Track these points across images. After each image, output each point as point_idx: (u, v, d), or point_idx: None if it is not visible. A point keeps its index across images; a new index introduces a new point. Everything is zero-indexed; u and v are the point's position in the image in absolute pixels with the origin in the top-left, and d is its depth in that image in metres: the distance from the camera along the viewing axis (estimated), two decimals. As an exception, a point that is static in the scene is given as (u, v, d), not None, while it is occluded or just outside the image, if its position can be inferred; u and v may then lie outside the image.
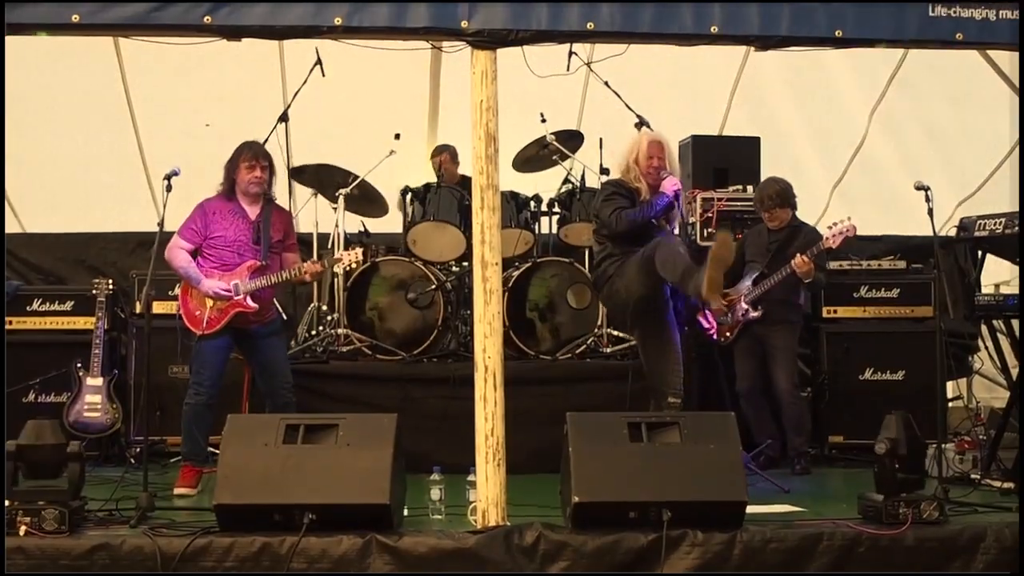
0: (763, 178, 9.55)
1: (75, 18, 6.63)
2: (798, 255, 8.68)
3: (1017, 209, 8.53)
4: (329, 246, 9.89)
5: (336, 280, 9.76)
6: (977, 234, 8.82)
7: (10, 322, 9.48)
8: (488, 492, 6.56)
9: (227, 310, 7.92)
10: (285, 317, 9.04)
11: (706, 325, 8.44)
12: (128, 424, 9.22)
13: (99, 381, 9.04)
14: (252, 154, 8.07)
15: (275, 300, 8.41)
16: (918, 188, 7.66)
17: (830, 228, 8.63)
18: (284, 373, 8.23)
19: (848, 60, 10.53)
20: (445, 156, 10.91)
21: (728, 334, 9.16)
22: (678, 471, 6.44)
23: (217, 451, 6.78)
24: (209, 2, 6.65)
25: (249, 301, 7.93)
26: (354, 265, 8.55)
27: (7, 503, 6.31)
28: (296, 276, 8.09)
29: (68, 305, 9.60)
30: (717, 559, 6.24)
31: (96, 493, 7.06)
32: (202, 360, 7.98)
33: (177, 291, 9.18)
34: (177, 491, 7.80)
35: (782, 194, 9.08)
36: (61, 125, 11.57)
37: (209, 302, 7.95)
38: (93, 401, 9.02)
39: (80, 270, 11.24)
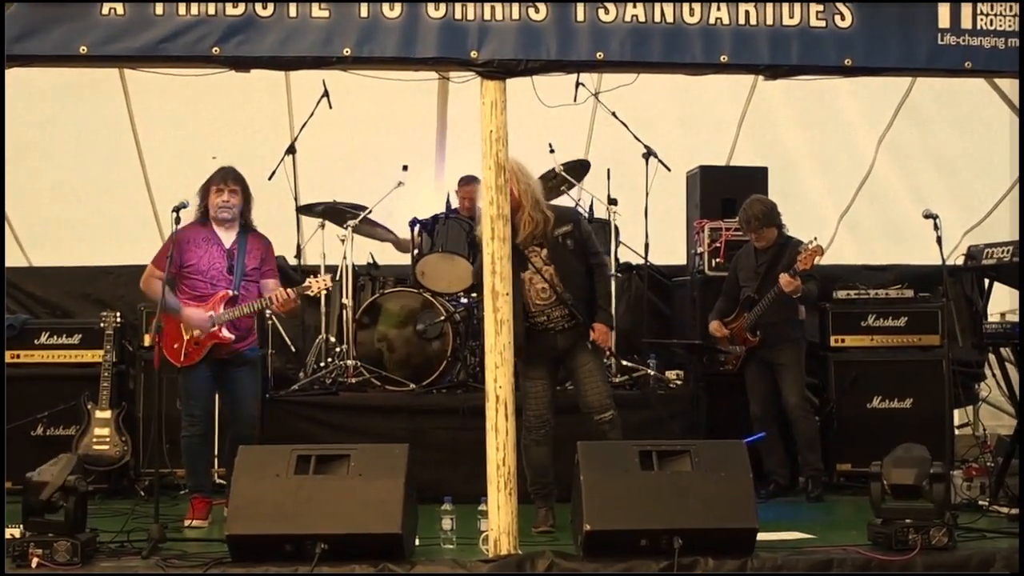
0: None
1: (83, 50, 6.63)
2: (782, 275, 8.69)
3: (1024, 237, 8.55)
4: (337, 278, 9.86)
5: (345, 312, 9.74)
6: (985, 262, 8.81)
7: (18, 356, 9.42)
8: (500, 521, 6.56)
9: (204, 343, 7.80)
10: (261, 351, 8.84)
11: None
12: (137, 457, 9.18)
13: (108, 414, 8.97)
14: (221, 178, 7.95)
15: (254, 330, 8.25)
16: (927, 216, 7.71)
17: (799, 251, 8.65)
18: (249, 406, 8.11)
19: (855, 89, 10.54)
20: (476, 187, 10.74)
21: (735, 361, 9.17)
22: (689, 499, 6.47)
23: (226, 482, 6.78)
24: (217, 33, 6.65)
25: (225, 332, 7.81)
26: (324, 291, 8.25)
27: (19, 534, 6.32)
28: (269, 305, 7.93)
29: (76, 338, 9.51)
30: (729, 586, 6.24)
31: (106, 525, 7.06)
32: (189, 392, 7.92)
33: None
34: (188, 522, 7.74)
35: (768, 214, 9.04)
36: (67, 157, 11.59)
37: (186, 334, 7.82)
38: (102, 434, 8.95)
39: (87, 303, 11.14)
